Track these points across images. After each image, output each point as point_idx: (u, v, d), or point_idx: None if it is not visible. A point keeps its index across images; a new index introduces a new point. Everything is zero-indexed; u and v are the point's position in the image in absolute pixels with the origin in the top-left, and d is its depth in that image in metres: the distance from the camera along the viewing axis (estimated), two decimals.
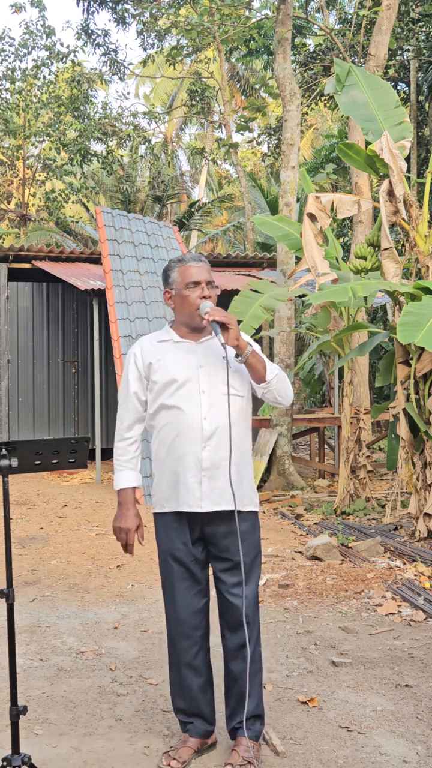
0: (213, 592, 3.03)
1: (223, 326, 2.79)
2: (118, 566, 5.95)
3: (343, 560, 6.04)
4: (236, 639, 2.92)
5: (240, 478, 2.91)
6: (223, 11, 12.77)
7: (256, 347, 2.94)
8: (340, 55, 12.81)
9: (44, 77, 17.61)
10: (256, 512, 3.00)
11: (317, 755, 3.03)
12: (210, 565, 3.00)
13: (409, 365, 6.68)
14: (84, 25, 16.15)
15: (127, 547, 2.99)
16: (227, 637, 2.96)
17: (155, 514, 3.01)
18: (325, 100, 16.26)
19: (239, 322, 7.95)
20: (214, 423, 2.85)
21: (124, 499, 3.01)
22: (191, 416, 2.87)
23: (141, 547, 6.52)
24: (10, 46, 17.41)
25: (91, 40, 16.37)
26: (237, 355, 2.85)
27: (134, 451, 3.06)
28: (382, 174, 6.92)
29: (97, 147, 20.14)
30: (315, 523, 7.59)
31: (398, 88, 16.95)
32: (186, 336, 2.97)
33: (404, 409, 6.63)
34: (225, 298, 10.87)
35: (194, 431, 2.86)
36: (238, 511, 2.87)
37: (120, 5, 15.59)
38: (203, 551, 2.95)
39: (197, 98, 17.93)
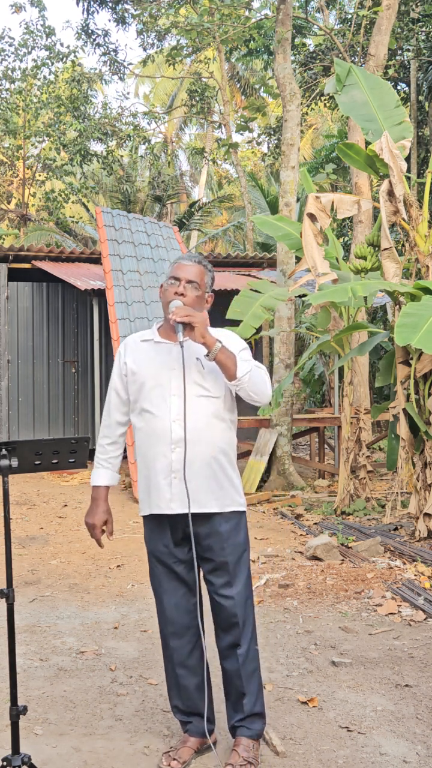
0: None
1: (188, 325, 2.78)
2: (118, 566, 5.95)
3: (343, 560, 6.04)
4: (228, 639, 2.93)
5: (217, 479, 2.89)
6: (223, 11, 12.77)
7: (237, 344, 2.92)
8: (340, 55, 12.81)
9: (44, 77, 17.61)
10: (240, 512, 2.97)
11: (317, 755, 3.03)
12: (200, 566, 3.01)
13: (409, 365, 6.68)
14: (84, 25, 16.15)
15: (97, 541, 3.08)
16: (219, 636, 2.97)
17: (143, 517, 3.03)
18: (325, 100, 16.26)
19: (239, 322, 7.95)
20: (183, 425, 2.84)
21: (95, 495, 3.08)
22: (161, 419, 2.87)
23: (141, 546, 6.52)
24: (10, 45, 17.42)
25: (91, 40, 16.37)
26: (207, 354, 2.82)
27: (113, 451, 3.09)
28: (382, 174, 6.92)
29: (97, 147, 20.16)
30: (315, 523, 7.59)
31: (398, 88, 16.96)
32: (167, 336, 2.95)
33: (404, 409, 6.63)
34: (225, 298, 10.87)
35: (164, 434, 2.86)
36: (220, 512, 2.89)
37: (120, 5, 15.59)
38: (189, 552, 2.94)
39: (197, 98, 17.93)
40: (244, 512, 3.00)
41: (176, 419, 2.85)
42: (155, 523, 2.96)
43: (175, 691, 3.01)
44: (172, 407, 2.86)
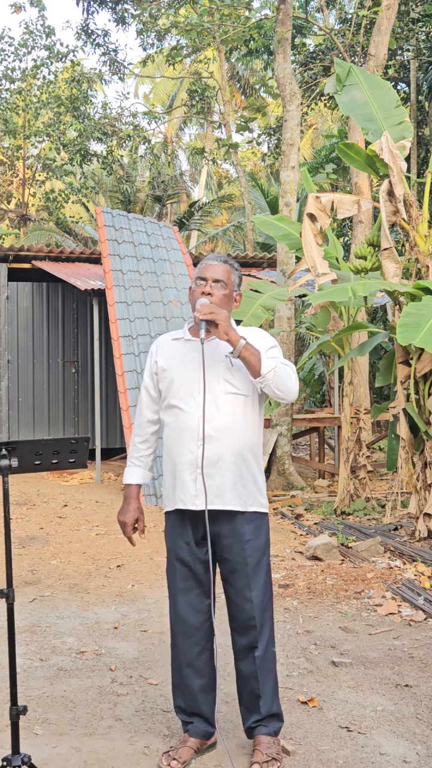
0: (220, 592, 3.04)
1: (212, 323, 2.80)
2: (118, 566, 5.95)
3: (343, 560, 6.04)
4: (244, 641, 2.93)
5: (242, 477, 2.90)
6: (223, 11, 12.77)
7: (266, 341, 2.92)
8: (340, 55, 12.81)
9: (44, 77, 17.60)
10: (262, 513, 2.96)
11: (317, 755, 3.03)
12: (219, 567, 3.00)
13: (409, 365, 6.68)
14: (84, 25, 16.14)
15: (129, 539, 3.09)
16: (235, 638, 2.96)
17: (165, 513, 3.04)
18: (325, 100, 16.26)
19: (239, 322, 7.94)
20: (212, 422, 2.85)
21: (127, 493, 3.10)
22: (189, 415, 2.88)
23: (141, 546, 6.52)
24: (10, 45, 17.41)
25: (91, 40, 16.36)
26: (231, 351, 2.84)
27: (144, 450, 3.11)
28: (382, 174, 6.92)
29: (97, 147, 20.15)
30: (315, 523, 7.59)
31: (398, 88, 16.96)
32: (197, 335, 2.95)
33: (404, 409, 6.63)
34: None
35: (192, 430, 2.87)
36: (242, 512, 2.89)
37: (120, 5, 15.58)
38: (207, 552, 2.94)
39: (197, 98, 17.92)
40: (266, 514, 2.99)
41: (202, 415, 2.86)
42: (178, 519, 2.95)
43: (179, 691, 3.01)
44: (201, 403, 2.86)
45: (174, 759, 2.92)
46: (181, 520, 2.95)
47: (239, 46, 15.78)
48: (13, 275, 12.04)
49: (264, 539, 2.96)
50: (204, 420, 2.85)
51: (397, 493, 7.27)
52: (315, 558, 6.09)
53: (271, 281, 10.50)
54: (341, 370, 10.09)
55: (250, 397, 2.93)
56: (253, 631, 2.90)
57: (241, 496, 2.89)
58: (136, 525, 3.07)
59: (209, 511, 2.85)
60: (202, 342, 2.82)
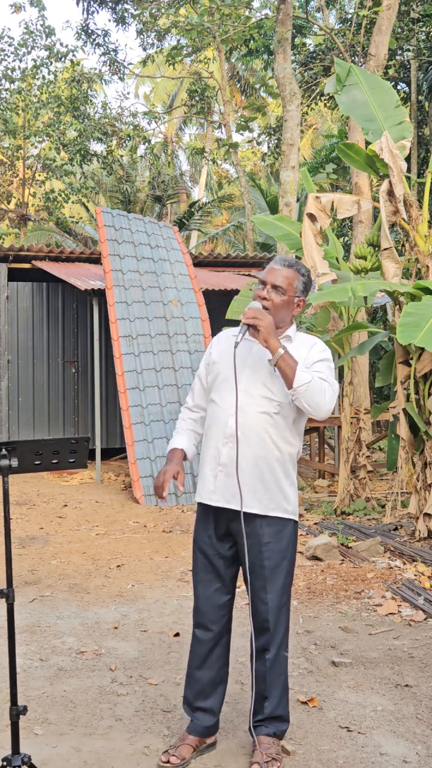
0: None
1: (255, 327, 2.81)
2: (118, 566, 5.95)
3: (343, 560, 6.04)
4: (260, 641, 2.95)
5: (264, 481, 2.89)
6: (223, 11, 12.77)
7: (317, 354, 2.92)
8: (340, 55, 12.81)
9: (44, 77, 17.60)
10: (286, 519, 2.94)
11: (317, 755, 3.03)
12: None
13: (409, 365, 6.68)
14: (84, 25, 16.14)
15: (157, 489, 3.00)
16: (254, 636, 2.98)
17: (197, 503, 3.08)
18: (325, 100, 16.26)
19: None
20: (241, 421, 2.86)
21: (170, 456, 3.07)
22: (222, 411, 2.92)
23: (141, 546, 6.52)
24: (10, 45, 17.41)
25: (91, 40, 16.36)
26: (270, 359, 2.85)
27: (191, 422, 3.12)
28: (382, 174, 6.92)
29: (97, 147, 20.14)
30: (315, 523, 7.59)
31: (398, 88, 16.95)
32: (253, 334, 2.92)
33: (404, 409, 6.63)
34: (225, 298, 10.87)
35: (220, 426, 2.91)
36: (263, 515, 2.89)
37: (120, 5, 15.58)
38: (231, 548, 2.96)
39: (197, 98, 17.92)
40: (291, 520, 2.96)
41: (232, 414, 2.88)
42: (202, 512, 3.01)
43: (188, 680, 3.07)
44: (235, 401, 2.88)
45: (173, 756, 2.94)
46: (205, 513, 2.99)
47: (239, 46, 15.78)
48: (13, 275, 12.03)
49: (285, 544, 2.94)
50: (228, 418, 2.88)
51: (397, 493, 7.27)
52: (315, 558, 6.09)
53: None
54: (341, 370, 10.09)
55: (286, 406, 2.90)
56: (267, 633, 2.92)
57: (261, 500, 2.89)
58: (175, 477, 2.98)
59: (230, 510, 2.89)
60: (235, 345, 2.85)
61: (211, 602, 2.99)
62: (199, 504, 3.02)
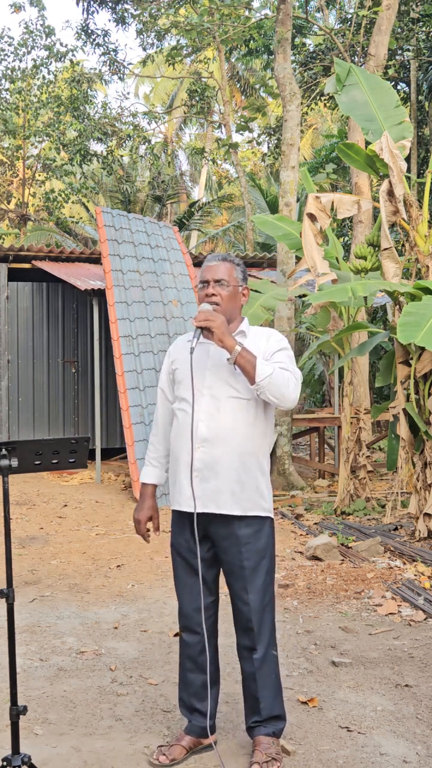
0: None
1: (207, 329, 2.81)
2: (118, 566, 5.95)
3: (343, 560, 6.04)
4: (245, 641, 2.95)
5: (241, 482, 2.89)
6: (223, 11, 12.76)
7: (275, 344, 2.92)
8: (340, 55, 12.81)
9: (43, 77, 17.60)
10: (263, 517, 2.95)
11: (317, 755, 3.03)
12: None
13: (409, 365, 6.68)
14: (84, 24, 16.13)
15: (142, 536, 3.12)
16: (238, 637, 2.98)
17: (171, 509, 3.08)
18: (325, 100, 16.25)
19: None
20: (210, 425, 2.86)
21: (142, 492, 3.15)
22: (189, 417, 2.89)
23: (141, 546, 6.52)
24: (10, 45, 17.40)
25: (91, 40, 16.35)
26: (228, 358, 2.84)
27: (162, 449, 3.13)
28: (382, 174, 6.92)
29: (97, 147, 20.14)
30: (315, 523, 7.59)
31: (398, 88, 16.95)
32: (209, 336, 2.94)
33: (404, 409, 6.63)
34: None
35: (189, 431, 2.88)
36: (241, 516, 2.89)
37: (120, 5, 15.57)
38: (209, 551, 2.96)
39: (197, 98, 17.91)
40: (267, 518, 2.97)
41: (202, 418, 2.87)
42: (178, 517, 3.00)
43: (182, 683, 3.07)
44: (202, 405, 2.88)
45: (163, 755, 2.95)
46: (180, 518, 2.98)
47: (239, 46, 15.78)
48: (13, 275, 12.03)
49: (264, 542, 2.94)
50: (197, 423, 2.87)
51: (397, 493, 7.26)
52: (315, 558, 6.09)
53: (271, 281, 10.50)
54: (341, 370, 10.08)
55: (254, 401, 2.91)
56: (252, 633, 2.92)
57: (239, 501, 2.88)
58: (149, 524, 3.11)
59: (207, 513, 2.88)
60: (191, 351, 2.84)
61: (195, 604, 2.97)
62: (174, 510, 3.01)
